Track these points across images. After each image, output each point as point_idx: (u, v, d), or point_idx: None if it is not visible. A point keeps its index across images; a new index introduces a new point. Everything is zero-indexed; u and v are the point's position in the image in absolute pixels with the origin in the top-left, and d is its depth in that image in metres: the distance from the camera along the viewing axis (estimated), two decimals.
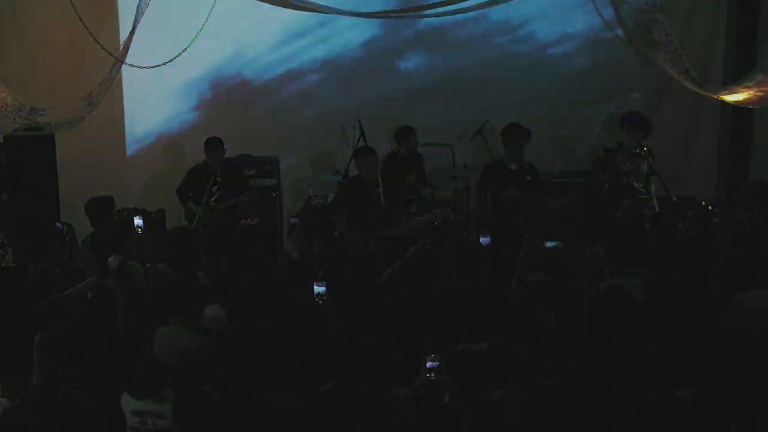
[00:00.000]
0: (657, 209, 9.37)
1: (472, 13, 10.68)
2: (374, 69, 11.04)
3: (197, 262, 7.61)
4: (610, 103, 11.09)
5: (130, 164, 10.97)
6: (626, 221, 8.56)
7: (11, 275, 7.39)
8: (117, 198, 8.77)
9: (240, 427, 5.29)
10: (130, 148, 10.96)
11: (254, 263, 7.42)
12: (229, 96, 10.98)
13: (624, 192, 9.07)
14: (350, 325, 6.44)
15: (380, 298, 6.77)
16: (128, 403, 5.49)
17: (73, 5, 9.01)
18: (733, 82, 10.36)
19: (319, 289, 6.40)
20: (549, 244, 7.23)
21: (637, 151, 9.44)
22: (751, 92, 9.77)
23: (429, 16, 10.55)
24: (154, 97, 10.82)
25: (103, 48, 9.35)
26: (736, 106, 10.42)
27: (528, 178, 9.14)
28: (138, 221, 7.16)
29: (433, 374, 5.24)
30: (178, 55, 9.54)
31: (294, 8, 9.90)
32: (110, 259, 6.60)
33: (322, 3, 9.88)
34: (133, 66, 9.68)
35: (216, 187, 9.46)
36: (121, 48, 9.64)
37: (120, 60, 9.54)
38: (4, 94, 9.47)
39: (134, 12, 9.28)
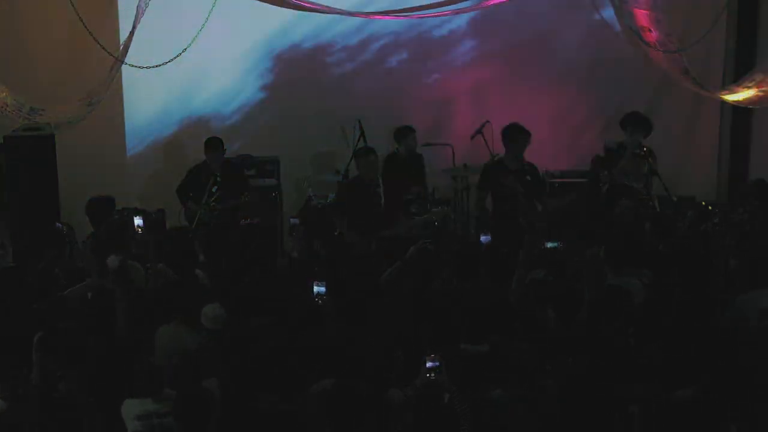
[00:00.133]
0: (657, 209, 9.36)
1: (471, 13, 10.68)
2: (374, 69, 11.04)
3: (197, 262, 7.63)
4: (611, 103, 11.09)
5: (130, 164, 10.97)
6: (626, 221, 8.56)
7: (11, 275, 7.38)
8: (117, 198, 8.77)
9: (240, 426, 5.29)
10: (130, 148, 10.96)
11: (254, 263, 7.42)
12: (229, 95, 10.98)
13: (624, 192, 9.07)
14: (350, 325, 6.44)
15: (380, 298, 6.78)
16: (130, 409, 5.46)
17: (73, 5, 9.01)
18: (733, 82, 10.36)
19: (318, 289, 6.40)
20: (549, 244, 7.23)
21: (637, 151, 9.43)
22: (751, 92, 9.77)
23: (429, 16, 10.55)
24: (154, 97, 10.83)
25: (103, 48, 9.35)
26: (736, 106, 10.42)
27: (528, 178, 9.14)
28: (138, 221, 7.16)
29: (433, 374, 5.24)
30: (178, 55, 9.54)
31: (294, 8, 9.90)
32: (109, 259, 6.61)
33: (322, 3, 9.87)
34: (133, 66, 9.68)
35: (216, 187, 9.46)
36: (121, 48, 9.64)
37: (120, 60, 9.54)
38: (4, 94, 9.47)
39: (134, 12, 9.28)
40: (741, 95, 9.85)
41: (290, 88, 11.03)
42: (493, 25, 10.99)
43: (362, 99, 10.87)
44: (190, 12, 9.83)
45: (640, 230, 8.11)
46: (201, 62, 10.58)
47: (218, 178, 9.49)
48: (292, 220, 8.59)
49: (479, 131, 10.49)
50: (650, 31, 9.75)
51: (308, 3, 9.87)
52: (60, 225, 8.57)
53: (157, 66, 9.70)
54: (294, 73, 11.02)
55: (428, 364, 5.25)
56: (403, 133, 10.06)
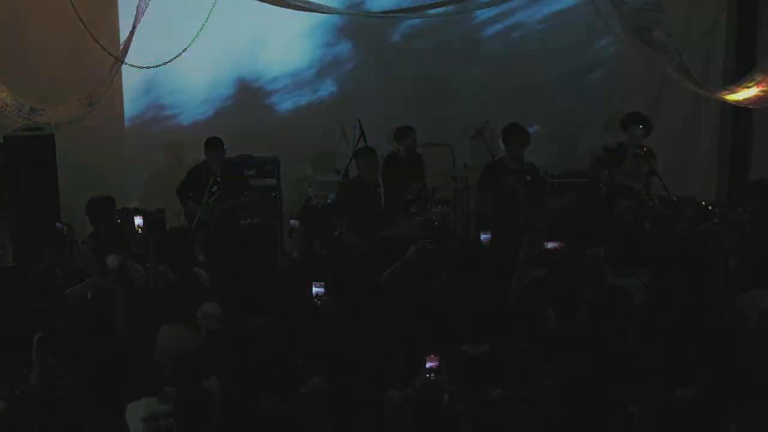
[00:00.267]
0: (657, 209, 9.35)
1: (471, 13, 10.67)
2: (374, 69, 11.04)
3: (196, 262, 7.63)
4: (611, 103, 11.09)
5: (130, 164, 10.96)
6: (626, 221, 8.56)
7: (11, 275, 7.38)
8: (117, 198, 8.77)
9: (240, 426, 5.29)
10: (130, 149, 10.96)
11: (254, 263, 7.42)
12: (229, 96, 10.98)
13: (624, 192, 9.07)
14: (350, 325, 6.44)
15: (380, 298, 6.77)
16: (135, 411, 5.45)
17: (73, 5, 9.01)
18: (733, 82, 10.36)
19: (317, 290, 6.40)
20: (549, 244, 7.23)
21: (637, 151, 9.44)
22: (751, 92, 9.76)
23: (429, 16, 10.54)
24: (154, 97, 10.82)
25: (103, 48, 9.35)
26: (736, 106, 10.41)
27: (528, 178, 9.14)
28: (138, 221, 7.16)
29: (433, 374, 5.24)
30: (178, 55, 9.54)
31: (294, 8, 9.88)
32: (109, 258, 6.61)
33: (322, 3, 9.87)
34: (133, 66, 9.68)
35: (216, 187, 9.46)
36: (121, 48, 9.63)
37: (120, 60, 9.54)
38: (4, 94, 9.47)
39: (134, 12, 9.27)
40: (741, 95, 9.83)
41: (290, 88, 11.02)
42: (493, 25, 10.99)
43: (362, 99, 10.87)
44: (190, 12, 9.83)
45: (640, 230, 8.11)
46: (201, 62, 10.58)
47: (218, 178, 9.49)
48: (291, 220, 8.58)
49: (479, 131, 10.50)
50: (650, 31, 9.74)
51: (308, 3, 9.86)
52: (60, 225, 8.57)
53: (157, 66, 9.70)
54: (294, 72, 11.01)
55: (428, 365, 5.25)
56: (403, 133, 10.06)
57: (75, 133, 9.78)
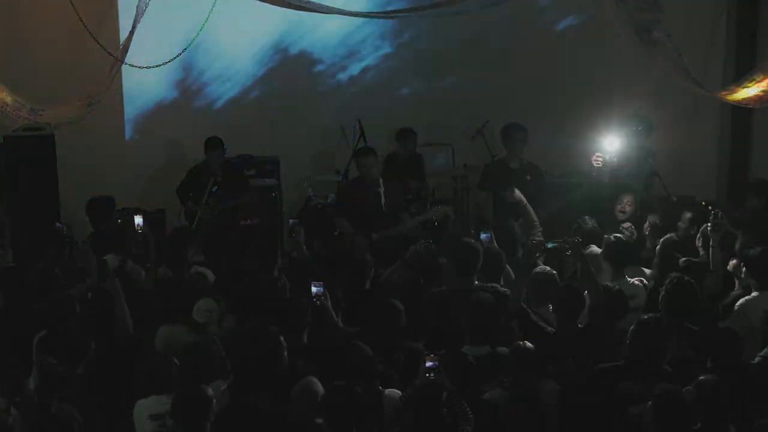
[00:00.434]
0: (657, 210, 9.34)
1: (471, 13, 10.66)
2: (374, 69, 11.04)
3: (198, 261, 7.63)
4: (611, 103, 11.08)
5: (131, 164, 10.97)
6: (626, 220, 8.55)
7: (11, 275, 7.38)
8: (117, 198, 8.77)
9: (240, 426, 5.29)
10: (130, 148, 10.96)
11: (254, 263, 7.42)
12: (229, 96, 10.98)
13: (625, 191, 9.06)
14: (350, 325, 6.45)
15: (380, 298, 6.76)
16: (143, 409, 5.44)
17: (73, 5, 9.00)
18: (733, 82, 10.35)
19: (316, 289, 6.39)
20: (549, 244, 7.23)
21: (638, 152, 9.43)
22: (751, 92, 9.75)
23: (429, 16, 10.53)
24: (154, 97, 10.83)
25: (103, 48, 9.34)
26: (736, 106, 10.41)
27: (528, 177, 9.13)
28: (138, 220, 7.16)
29: (432, 374, 5.24)
30: (178, 55, 9.54)
31: (294, 8, 9.88)
32: (108, 258, 6.61)
33: (322, 3, 9.86)
34: (133, 66, 9.68)
35: (216, 187, 9.46)
36: (121, 48, 9.63)
37: (120, 60, 9.53)
38: (4, 94, 9.47)
39: (134, 12, 9.27)
40: (741, 95, 9.83)
41: (291, 88, 11.03)
42: (493, 25, 10.99)
43: (362, 99, 10.87)
44: (190, 12, 9.83)
45: (640, 230, 8.12)
46: (201, 62, 10.58)
47: (218, 178, 9.49)
48: (291, 220, 8.58)
49: (479, 131, 10.50)
50: (650, 31, 9.73)
51: (308, 3, 9.86)
52: (60, 225, 8.56)
53: (157, 66, 9.69)
54: (294, 73, 11.01)
55: (428, 364, 5.25)
56: (404, 134, 10.08)
57: (75, 133, 9.78)
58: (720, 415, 5.10)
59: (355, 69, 11.04)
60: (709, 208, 7.66)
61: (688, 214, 7.93)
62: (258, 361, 5.70)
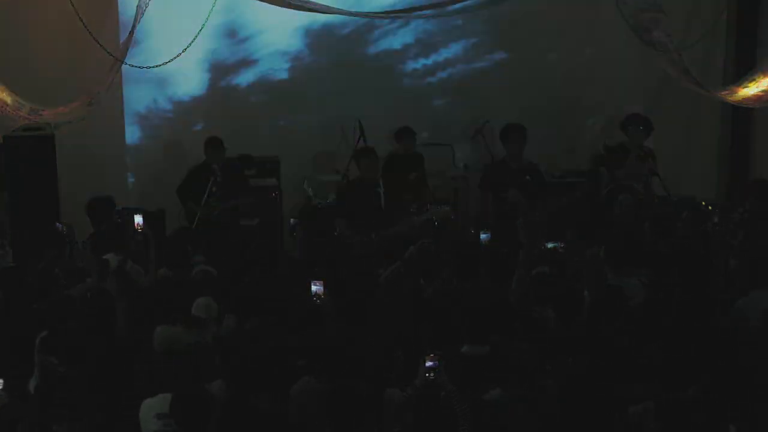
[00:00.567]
0: (657, 208, 9.36)
1: (471, 13, 10.67)
2: (374, 69, 11.03)
3: (197, 262, 7.63)
4: (611, 103, 11.09)
5: (130, 164, 10.97)
6: (626, 220, 8.56)
7: (11, 275, 7.38)
8: (117, 198, 8.77)
9: (240, 426, 5.29)
10: (130, 148, 10.96)
11: (254, 263, 7.43)
12: (229, 96, 10.98)
13: (623, 192, 9.07)
14: (350, 325, 6.44)
15: (380, 298, 6.77)
16: (149, 409, 5.43)
17: (73, 5, 9.00)
18: (733, 82, 10.35)
19: (316, 288, 6.40)
20: (549, 244, 7.24)
21: (638, 152, 9.44)
22: (751, 92, 9.75)
23: (429, 16, 10.54)
24: (154, 97, 10.82)
25: (103, 48, 9.34)
26: (736, 106, 10.41)
27: (528, 177, 9.14)
28: (138, 219, 7.16)
29: (432, 374, 5.24)
30: (178, 55, 9.52)
31: (294, 8, 9.87)
32: (108, 257, 6.60)
33: (322, 3, 9.86)
34: (133, 66, 9.68)
35: (216, 187, 9.46)
36: (121, 48, 9.63)
37: (120, 60, 9.53)
38: (4, 94, 9.46)
39: (134, 12, 9.27)
40: (741, 95, 9.84)
41: (291, 88, 11.02)
42: (493, 25, 10.99)
43: (362, 99, 10.87)
44: (190, 12, 9.83)
45: (640, 230, 8.12)
46: (201, 62, 10.58)
47: (218, 178, 9.49)
48: (292, 220, 8.59)
49: (479, 131, 10.50)
50: (650, 31, 9.73)
51: (308, 3, 9.86)
52: (60, 225, 8.57)
53: (157, 66, 9.69)
54: (294, 72, 11.01)
55: (428, 364, 5.25)
56: (403, 133, 10.09)
57: (75, 133, 9.77)
58: (720, 416, 5.10)
59: (355, 69, 11.02)
60: (709, 208, 7.67)
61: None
62: (258, 361, 5.69)
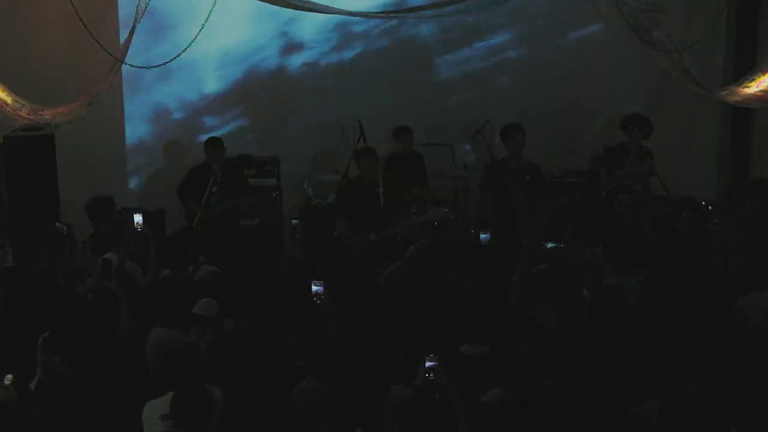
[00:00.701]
0: (657, 210, 9.36)
1: (471, 13, 10.67)
2: (374, 69, 11.03)
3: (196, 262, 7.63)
4: (611, 103, 11.09)
5: (130, 165, 10.97)
6: (625, 220, 8.56)
7: (11, 275, 7.39)
8: (117, 198, 8.77)
9: (239, 427, 5.29)
10: (130, 148, 10.96)
11: (254, 263, 7.42)
12: (229, 95, 10.98)
13: (623, 192, 9.07)
14: (350, 325, 6.44)
15: (380, 298, 6.77)
16: (153, 410, 5.41)
17: (73, 5, 9.01)
18: (733, 82, 10.36)
19: (316, 288, 6.40)
20: (549, 244, 7.24)
21: (637, 152, 9.45)
22: (751, 92, 9.76)
23: (429, 16, 10.53)
24: (154, 97, 10.82)
25: (103, 48, 9.35)
26: (736, 106, 10.42)
27: (528, 177, 9.14)
28: (138, 218, 7.17)
29: (432, 374, 5.24)
30: (178, 55, 9.53)
31: (294, 8, 9.88)
32: (108, 256, 6.60)
33: (322, 3, 9.87)
34: (133, 66, 9.68)
35: (216, 187, 9.46)
36: (121, 48, 9.63)
37: (120, 60, 9.54)
38: (4, 94, 9.47)
39: (134, 12, 9.28)
40: (741, 95, 9.84)
41: (291, 88, 11.02)
42: (493, 26, 10.99)
43: (362, 99, 10.87)
44: (190, 12, 9.83)
45: (640, 230, 8.12)
46: (201, 62, 10.58)
47: (218, 178, 9.49)
48: (293, 221, 8.59)
49: (479, 131, 10.50)
50: (650, 31, 9.74)
51: (308, 3, 9.86)
52: (60, 225, 8.57)
53: (157, 66, 9.70)
54: (294, 72, 11.01)
55: (428, 364, 5.25)
56: (401, 132, 10.11)
57: (75, 133, 9.78)
58: (720, 416, 5.10)
59: (355, 68, 11.02)
60: (709, 208, 7.67)
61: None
62: (258, 361, 5.69)
